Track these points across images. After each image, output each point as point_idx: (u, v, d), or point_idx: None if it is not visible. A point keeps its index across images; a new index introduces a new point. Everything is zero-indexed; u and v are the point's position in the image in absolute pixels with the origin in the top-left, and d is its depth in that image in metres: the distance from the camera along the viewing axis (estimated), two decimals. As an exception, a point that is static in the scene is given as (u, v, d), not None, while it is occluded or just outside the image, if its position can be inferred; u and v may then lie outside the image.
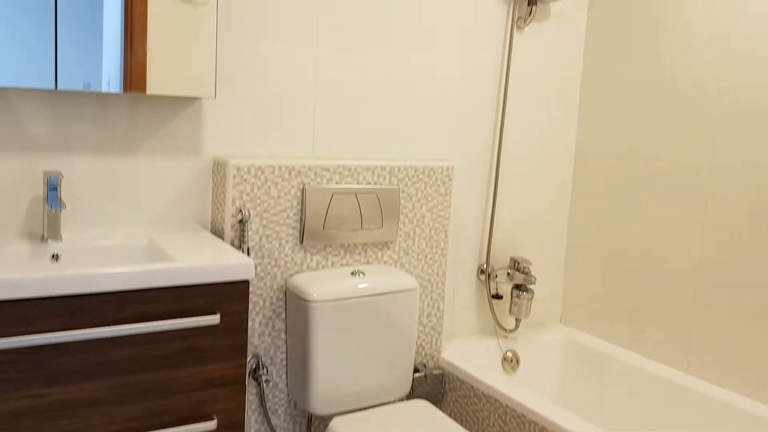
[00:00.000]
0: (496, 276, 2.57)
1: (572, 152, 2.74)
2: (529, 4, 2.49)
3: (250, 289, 2.00)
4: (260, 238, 2.00)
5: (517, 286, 2.57)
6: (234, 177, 1.93)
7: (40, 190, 1.80)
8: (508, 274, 2.57)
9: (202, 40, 1.85)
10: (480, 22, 2.43)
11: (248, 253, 1.96)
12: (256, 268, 2.01)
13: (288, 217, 2.04)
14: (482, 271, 2.58)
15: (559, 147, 2.70)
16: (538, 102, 2.62)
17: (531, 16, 2.50)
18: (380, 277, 2.06)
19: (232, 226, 1.95)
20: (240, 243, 1.95)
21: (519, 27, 2.52)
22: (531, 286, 2.68)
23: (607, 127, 2.60)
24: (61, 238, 1.74)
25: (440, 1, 2.33)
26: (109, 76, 1.76)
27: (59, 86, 1.69)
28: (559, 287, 2.80)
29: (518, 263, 2.56)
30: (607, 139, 2.60)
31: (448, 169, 2.31)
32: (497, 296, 2.63)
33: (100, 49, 1.74)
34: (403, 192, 2.23)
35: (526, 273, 2.53)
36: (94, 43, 1.73)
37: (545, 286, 2.77)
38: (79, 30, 1.71)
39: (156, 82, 1.81)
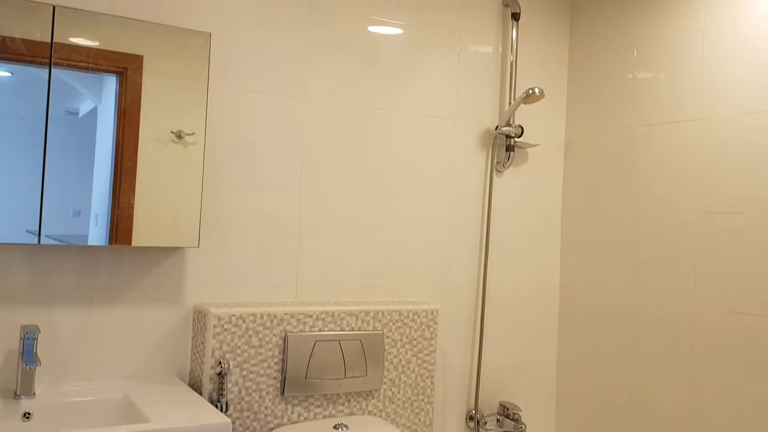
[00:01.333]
0: (485, 423, 2.49)
1: (557, 294, 2.74)
2: (507, 150, 2.59)
3: (228, 444, 1.93)
4: (240, 390, 1.95)
5: (508, 433, 2.49)
6: (214, 327, 1.91)
7: (16, 343, 1.77)
8: (498, 420, 2.49)
9: (190, 182, 1.89)
10: (460, 167, 2.51)
11: (226, 408, 1.90)
12: (234, 424, 1.94)
13: (269, 366, 2.00)
14: (471, 418, 2.50)
15: (543, 288, 2.71)
16: (520, 243, 2.66)
17: (509, 160, 2.59)
18: (364, 430, 1.99)
19: (211, 378, 1.91)
20: (218, 397, 1.90)
21: (498, 171, 2.61)
22: (522, 432, 2.59)
23: (590, 269, 2.62)
24: (34, 394, 1.69)
25: (421, 146, 2.42)
26: (95, 230, 1.79)
27: (42, 241, 1.71)
28: (552, 432, 2.71)
29: (508, 409, 2.49)
30: (591, 280, 2.62)
31: (432, 312, 2.30)
32: (488, 443, 2.54)
33: (88, 203, 1.78)
34: (388, 337, 2.21)
35: (516, 420, 2.45)
36: (82, 195, 1.77)
37: None
38: (66, 183, 1.75)
39: (142, 234, 1.84)
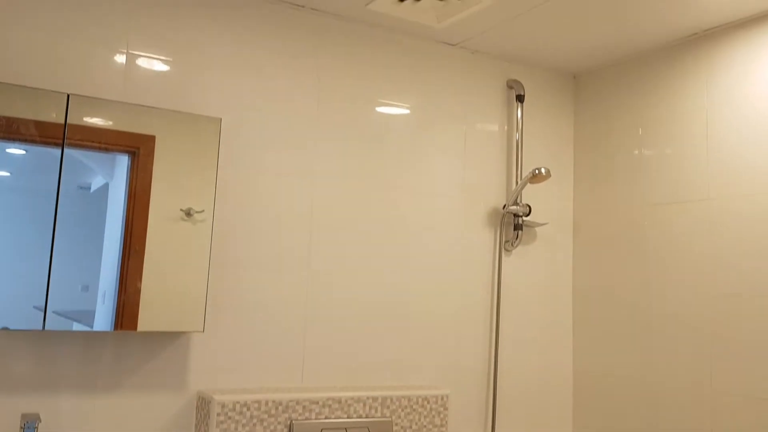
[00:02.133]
0: None
1: (570, 377, 2.67)
2: (515, 228, 2.58)
3: None
4: (243, 482, 1.87)
5: None
6: (218, 415, 1.85)
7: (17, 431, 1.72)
8: None
9: (197, 261, 1.87)
10: (469, 246, 2.49)
11: (229, 502, 1.81)
12: None
13: (274, 456, 1.92)
14: None
15: (556, 371, 2.64)
16: (531, 324, 2.61)
17: (518, 239, 2.57)
18: None
19: (214, 470, 1.83)
20: (220, 490, 1.82)
21: (507, 250, 2.59)
22: None
23: (603, 351, 2.56)
24: (29, 487, 1.62)
25: (429, 226, 2.41)
26: (102, 308, 1.76)
27: (47, 326, 1.68)
28: None
29: (522, 499, 2.37)
30: (604, 363, 2.55)
31: (443, 398, 2.23)
32: None
33: (96, 278, 1.75)
34: (396, 425, 2.13)
35: None
36: (90, 270, 1.75)
37: None
38: (75, 257, 1.73)
39: (147, 318, 1.80)
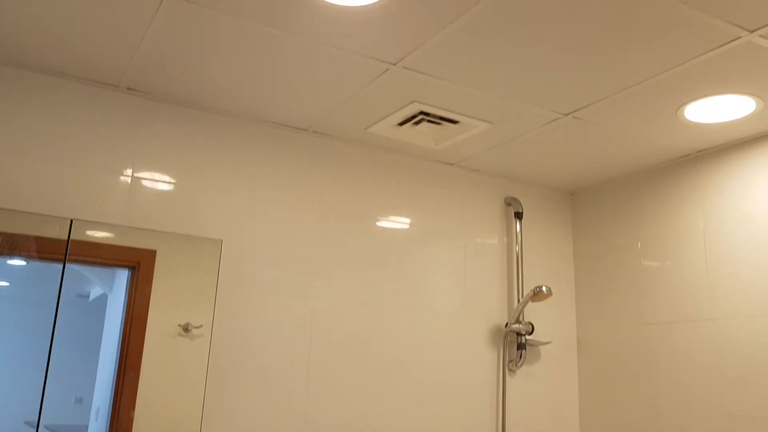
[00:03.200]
0: None
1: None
2: (518, 348, 2.53)
3: None
4: None
5: None
6: None
7: None
8: None
9: (194, 378, 1.83)
10: (471, 366, 2.43)
11: None
12: None
13: None
14: None
15: (564, 498, 2.50)
16: (537, 448, 2.49)
17: (522, 359, 2.52)
18: None
19: None
20: None
21: (511, 370, 2.53)
22: None
23: (614, 477, 2.43)
24: None
25: (430, 344, 2.37)
26: (95, 425, 1.71)
27: (34, 442, 1.63)
28: None
29: None
30: (616, 490, 2.41)
31: None
32: None
33: (91, 391, 1.71)
34: None
35: None
36: (85, 382, 1.71)
37: None
38: (71, 368, 1.70)
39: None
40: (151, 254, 1.89)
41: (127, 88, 1.99)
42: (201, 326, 1.89)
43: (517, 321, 2.51)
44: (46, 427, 1.64)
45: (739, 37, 1.60)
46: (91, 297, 1.79)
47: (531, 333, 2.53)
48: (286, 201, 2.21)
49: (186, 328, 1.87)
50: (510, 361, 2.53)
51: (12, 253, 1.70)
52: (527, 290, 2.61)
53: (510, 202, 2.67)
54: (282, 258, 2.17)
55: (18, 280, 1.70)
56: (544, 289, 2.38)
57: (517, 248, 2.62)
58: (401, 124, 2.17)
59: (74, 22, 1.63)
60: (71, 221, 1.80)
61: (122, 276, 1.84)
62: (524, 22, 1.57)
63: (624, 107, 1.99)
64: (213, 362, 1.97)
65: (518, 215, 2.64)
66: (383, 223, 2.38)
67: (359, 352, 2.23)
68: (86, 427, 1.70)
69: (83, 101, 1.95)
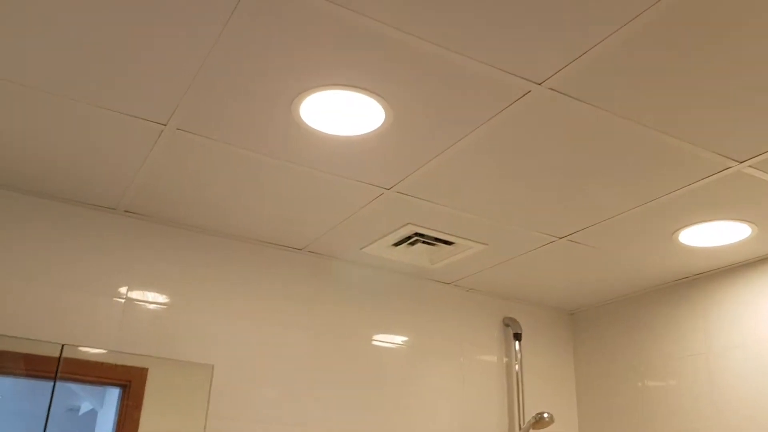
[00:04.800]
0: None
1: None
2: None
3: None
4: None
5: None
6: None
7: None
8: None
9: None
10: (470, 499, 2.31)
11: None
12: None
13: None
14: None
15: None
16: None
17: (524, 483, 2.39)
18: None
19: None
20: None
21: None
22: None
23: None
24: None
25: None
26: None
27: None
28: None
29: None
30: None
31: None
32: None
33: None
34: None
35: None
36: None
37: None
38: None
39: None
40: (143, 372, 1.85)
41: (125, 211, 2.01)
42: (190, 451, 1.81)
43: (519, 448, 2.40)
44: None
45: (729, 167, 1.62)
46: (81, 411, 1.75)
47: (534, 461, 2.41)
48: (280, 320, 2.17)
49: (175, 452, 1.80)
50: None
51: (2, 372, 1.68)
52: (528, 414, 2.52)
53: (508, 322, 2.62)
54: (275, 379, 2.10)
55: (9, 394, 1.68)
56: (546, 416, 2.29)
57: (517, 369, 2.55)
58: (396, 244, 2.17)
59: (77, 152, 1.66)
60: (62, 346, 1.78)
61: (113, 394, 1.80)
62: (517, 150, 1.60)
63: (619, 231, 2.00)
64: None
65: (517, 336, 2.58)
66: (378, 342, 2.33)
67: (352, 484, 2.12)
68: None
69: (81, 224, 1.95)
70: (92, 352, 1.81)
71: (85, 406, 1.77)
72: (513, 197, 1.82)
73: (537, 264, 2.30)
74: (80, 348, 1.79)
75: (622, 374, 2.51)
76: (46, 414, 1.70)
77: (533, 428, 2.31)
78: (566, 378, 2.68)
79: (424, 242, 2.16)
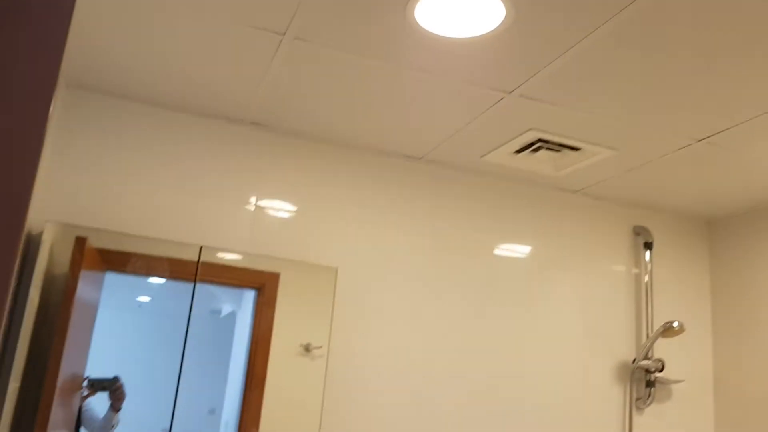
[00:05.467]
0: None
1: None
2: (647, 385, 2.37)
3: None
4: None
5: None
6: None
7: None
8: None
9: (312, 397, 1.88)
10: (596, 403, 2.31)
11: None
12: None
13: None
14: None
15: None
16: (667, 496, 2.32)
17: (650, 397, 2.36)
18: None
19: None
20: None
21: (639, 408, 2.37)
22: None
23: None
24: None
25: (550, 378, 2.27)
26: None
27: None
28: None
29: None
30: None
31: None
32: None
33: (221, 403, 1.81)
34: None
35: None
36: (216, 395, 1.81)
37: None
38: (199, 392, 1.80)
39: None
40: (274, 277, 1.96)
41: (251, 123, 2.09)
42: (321, 347, 1.93)
43: (646, 357, 2.35)
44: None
45: None
46: (223, 313, 1.88)
47: (661, 370, 2.36)
48: (400, 227, 2.22)
49: (307, 348, 1.92)
50: (638, 398, 2.37)
51: (150, 273, 1.84)
52: (657, 325, 2.44)
53: (639, 231, 2.51)
54: (396, 285, 2.17)
55: (158, 295, 1.84)
56: (675, 324, 2.21)
57: (647, 280, 2.46)
58: (518, 151, 2.12)
59: (203, 62, 1.73)
60: (200, 248, 1.91)
61: (249, 296, 1.93)
62: (650, 46, 1.47)
63: (762, 133, 1.82)
64: (329, 383, 2.01)
65: (648, 245, 2.48)
66: (501, 252, 2.33)
67: (474, 381, 2.18)
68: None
69: (212, 136, 2.06)
70: (227, 257, 1.93)
71: (226, 309, 1.90)
72: (645, 97, 1.70)
73: (671, 170, 2.16)
74: (217, 253, 1.91)
75: (764, 288, 2.35)
76: (188, 313, 1.85)
77: (662, 336, 2.25)
78: (701, 290, 2.56)
79: (548, 149, 2.09)
